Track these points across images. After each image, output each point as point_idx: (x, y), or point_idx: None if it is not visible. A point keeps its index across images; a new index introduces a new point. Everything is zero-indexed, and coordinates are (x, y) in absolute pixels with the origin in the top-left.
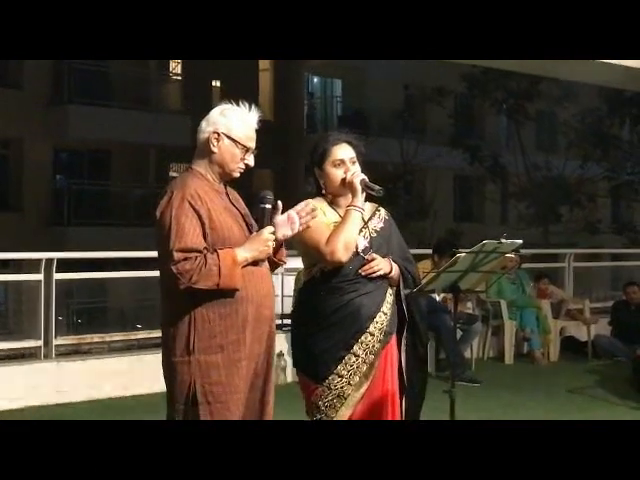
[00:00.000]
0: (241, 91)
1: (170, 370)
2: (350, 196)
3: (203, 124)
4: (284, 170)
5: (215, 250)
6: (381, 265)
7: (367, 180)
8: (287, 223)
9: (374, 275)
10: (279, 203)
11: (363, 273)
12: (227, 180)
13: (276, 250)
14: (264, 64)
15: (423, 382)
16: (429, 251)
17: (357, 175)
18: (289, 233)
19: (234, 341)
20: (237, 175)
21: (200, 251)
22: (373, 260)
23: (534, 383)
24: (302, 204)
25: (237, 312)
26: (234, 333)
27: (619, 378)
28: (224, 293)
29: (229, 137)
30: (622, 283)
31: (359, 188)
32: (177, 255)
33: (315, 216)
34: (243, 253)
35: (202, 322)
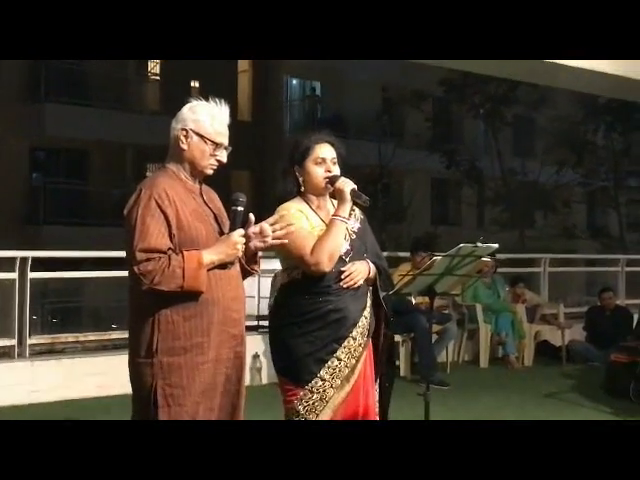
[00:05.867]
0: (220, 92)
1: (134, 371)
2: (328, 196)
3: (173, 122)
4: (261, 171)
5: (181, 251)
6: (360, 272)
7: (356, 189)
8: (259, 235)
9: (355, 285)
10: (251, 216)
11: (345, 286)
12: (200, 178)
13: (250, 259)
14: (243, 65)
15: (392, 378)
16: (406, 254)
17: (348, 184)
18: (261, 245)
19: (198, 344)
20: (210, 172)
21: (164, 252)
22: (351, 273)
23: (509, 387)
24: (275, 217)
25: (202, 315)
26: (198, 336)
27: (593, 383)
28: (189, 295)
29: (197, 133)
30: (596, 288)
31: (348, 198)
32: (140, 255)
33: (290, 232)
34: (209, 255)
35: (166, 323)
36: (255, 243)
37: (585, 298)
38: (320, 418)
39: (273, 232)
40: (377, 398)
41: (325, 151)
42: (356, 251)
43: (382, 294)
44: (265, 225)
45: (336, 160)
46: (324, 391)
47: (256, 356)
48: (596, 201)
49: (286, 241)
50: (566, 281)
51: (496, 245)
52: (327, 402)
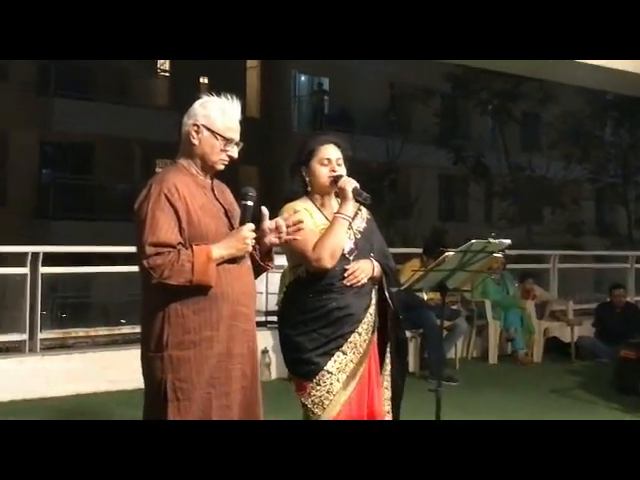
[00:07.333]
0: (229, 88)
1: (145, 365)
2: (334, 195)
3: (185, 117)
4: (270, 167)
5: (190, 246)
6: (363, 270)
7: (359, 188)
8: (274, 231)
9: (359, 284)
10: (265, 210)
11: (348, 284)
12: (211, 173)
13: (264, 255)
14: (252, 61)
15: (403, 375)
16: (414, 250)
17: (350, 183)
18: (276, 241)
19: (207, 337)
20: (221, 167)
21: (173, 246)
22: (354, 271)
23: (518, 383)
24: (288, 214)
25: (211, 309)
26: (207, 329)
27: (602, 379)
28: (198, 289)
29: (208, 129)
30: (605, 285)
31: (350, 196)
32: (149, 249)
33: (302, 228)
34: (219, 250)
35: (176, 317)
36: (270, 239)
37: (594, 295)
38: (327, 412)
39: (287, 228)
40: (388, 396)
41: (330, 152)
42: (361, 250)
43: (392, 290)
44: (280, 221)
45: (341, 161)
46: (331, 384)
47: (265, 351)
48: (604, 197)
49: (299, 237)
50: (575, 277)
51: (508, 241)
52: (334, 396)
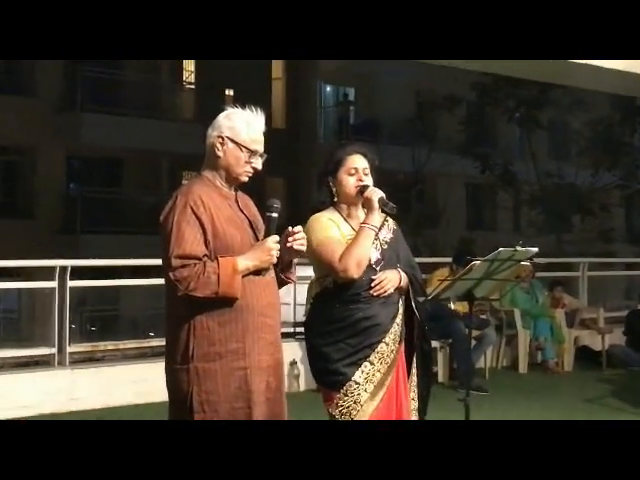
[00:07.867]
0: (254, 100)
1: (170, 377)
2: (360, 205)
3: (209, 129)
4: (296, 178)
5: (216, 258)
6: (390, 280)
7: (385, 198)
8: (294, 240)
9: (385, 294)
10: (290, 228)
11: (375, 294)
12: (236, 185)
13: (285, 268)
14: (277, 73)
15: (428, 386)
16: (441, 259)
17: (376, 193)
18: (297, 248)
19: (233, 350)
20: (245, 179)
21: (199, 258)
22: (381, 281)
23: (548, 392)
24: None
25: (237, 320)
26: (233, 342)
27: (633, 388)
28: (224, 301)
29: (233, 140)
30: (636, 292)
31: (376, 206)
32: (175, 262)
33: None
34: (244, 262)
35: (201, 330)
36: (290, 246)
37: (625, 302)
38: None
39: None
40: (414, 407)
41: (357, 161)
42: (387, 260)
43: (418, 299)
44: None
45: (368, 170)
46: (358, 394)
47: (293, 363)
48: (634, 204)
49: (303, 248)
50: (605, 285)
51: (535, 249)
52: (361, 406)
